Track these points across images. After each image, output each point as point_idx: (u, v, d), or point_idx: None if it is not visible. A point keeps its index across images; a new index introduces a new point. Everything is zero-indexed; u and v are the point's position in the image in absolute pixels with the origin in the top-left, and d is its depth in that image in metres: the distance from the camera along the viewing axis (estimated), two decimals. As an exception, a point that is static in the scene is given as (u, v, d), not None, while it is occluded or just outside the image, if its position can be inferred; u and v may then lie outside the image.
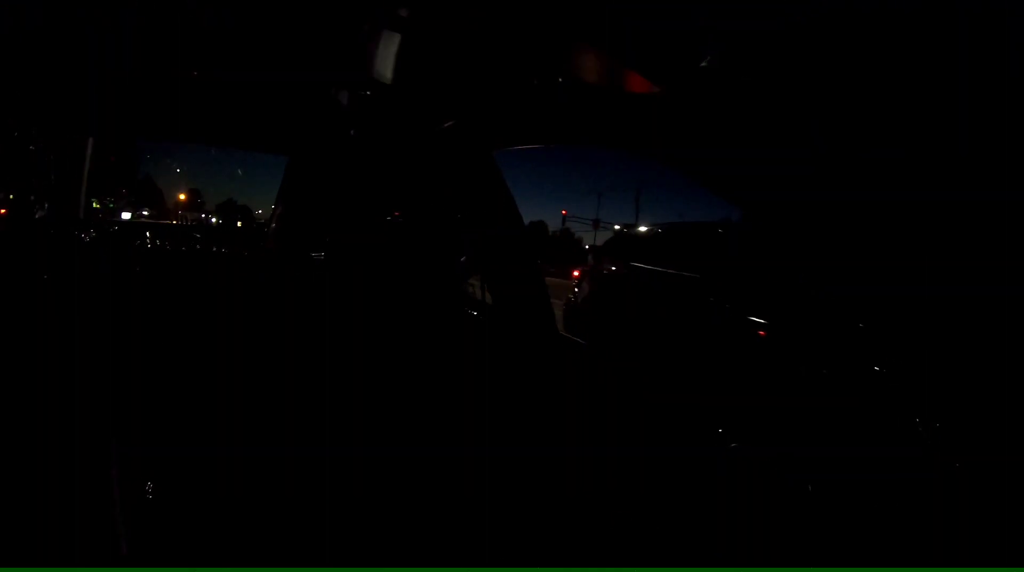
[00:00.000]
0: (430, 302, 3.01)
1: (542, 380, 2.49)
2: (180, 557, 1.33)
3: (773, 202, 1.94)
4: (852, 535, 1.46)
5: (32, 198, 3.28)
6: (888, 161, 1.55)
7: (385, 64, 2.28)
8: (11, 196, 3.16)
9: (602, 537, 1.59)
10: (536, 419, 2.20)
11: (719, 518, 1.60)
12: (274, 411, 2.09)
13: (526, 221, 2.94)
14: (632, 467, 1.89)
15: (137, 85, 2.65)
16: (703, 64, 1.66)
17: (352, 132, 2.99)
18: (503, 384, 2.45)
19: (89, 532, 1.36)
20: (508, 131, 2.74)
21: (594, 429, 2.11)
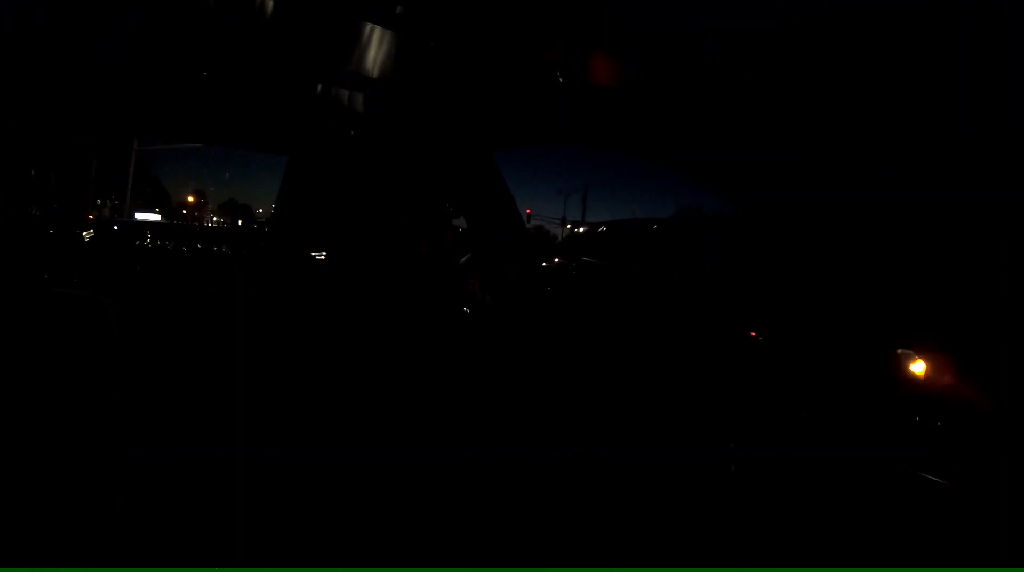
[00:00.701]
0: (430, 301, 3.01)
1: (541, 377, 2.49)
2: (180, 557, 1.33)
3: (775, 201, 1.94)
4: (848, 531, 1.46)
5: (31, 198, 3.28)
6: (889, 161, 1.54)
7: (386, 64, 2.28)
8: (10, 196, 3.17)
9: (599, 535, 1.59)
10: (535, 417, 2.20)
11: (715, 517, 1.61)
12: (274, 411, 2.09)
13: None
14: (626, 467, 1.89)
15: (137, 85, 2.65)
16: (703, 64, 1.66)
17: (352, 132, 2.99)
18: (502, 382, 2.45)
19: (89, 532, 1.36)
20: (509, 131, 2.73)
21: (589, 427, 2.12)
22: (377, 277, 3.12)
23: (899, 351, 1.69)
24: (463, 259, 3.18)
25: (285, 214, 3.57)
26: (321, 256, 3.41)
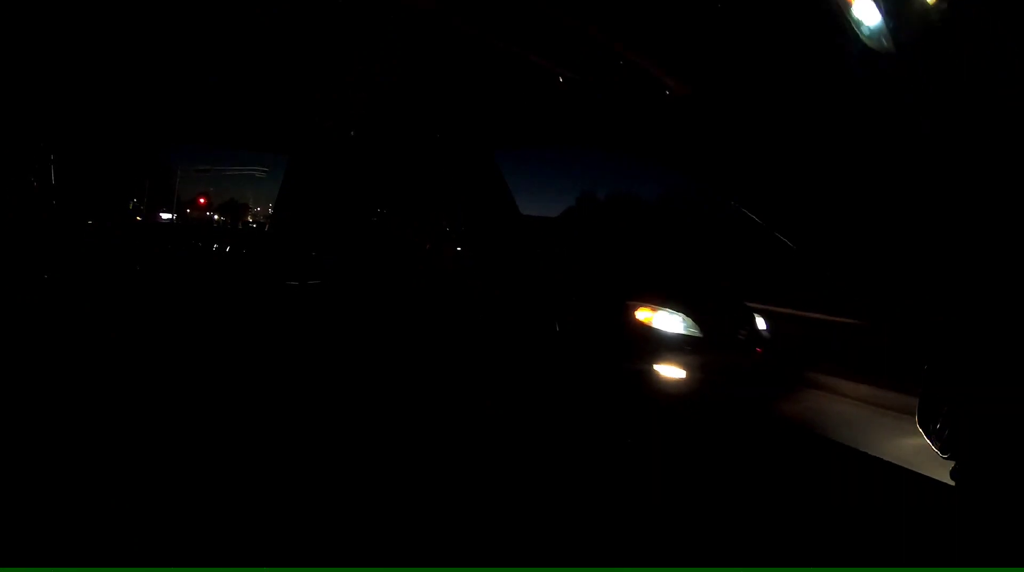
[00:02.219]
0: (433, 300, 3.01)
1: (543, 375, 2.49)
2: (180, 557, 1.33)
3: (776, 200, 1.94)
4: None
5: (32, 199, 3.28)
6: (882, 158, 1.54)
7: (388, 65, 2.28)
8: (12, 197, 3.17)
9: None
10: (537, 416, 2.19)
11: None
12: (274, 411, 2.09)
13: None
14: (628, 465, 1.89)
15: (139, 86, 2.65)
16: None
17: (352, 132, 3.00)
18: (504, 380, 2.45)
19: (89, 532, 1.36)
20: (508, 131, 2.73)
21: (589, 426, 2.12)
22: (378, 276, 3.12)
23: (629, 303, 2.89)
24: (464, 261, 3.18)
25: (286, 213, 3.57)
26: (322, 256, 3.41)
